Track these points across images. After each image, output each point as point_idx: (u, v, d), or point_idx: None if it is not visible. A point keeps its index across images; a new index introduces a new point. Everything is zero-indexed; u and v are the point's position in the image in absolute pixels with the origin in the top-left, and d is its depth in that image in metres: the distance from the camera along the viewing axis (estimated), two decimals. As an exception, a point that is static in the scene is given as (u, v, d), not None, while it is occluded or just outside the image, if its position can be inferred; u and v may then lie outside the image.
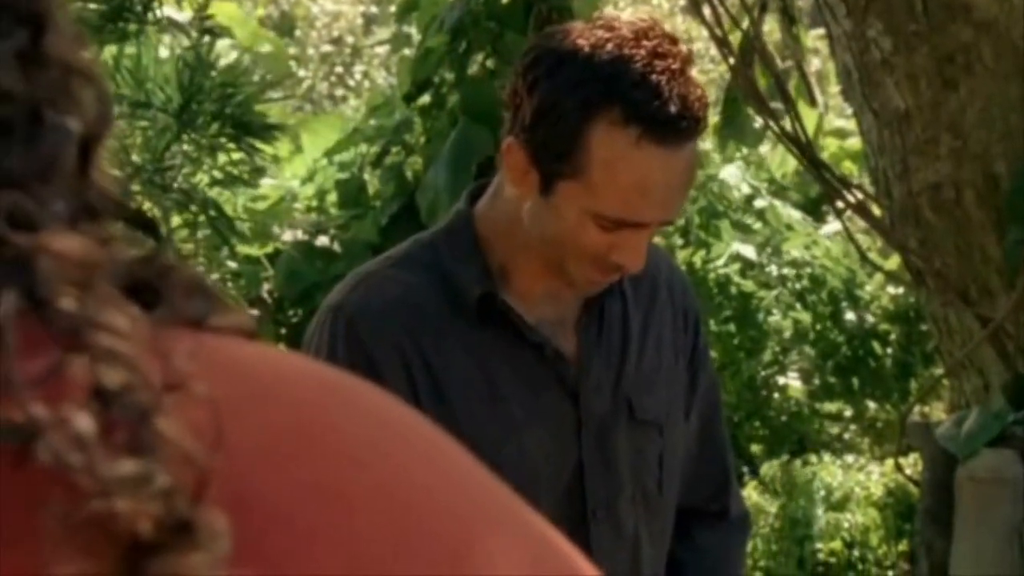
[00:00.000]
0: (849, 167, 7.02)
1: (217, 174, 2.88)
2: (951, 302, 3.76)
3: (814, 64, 8.35)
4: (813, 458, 6.17)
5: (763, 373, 6.70)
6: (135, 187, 2.68)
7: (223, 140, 2.77)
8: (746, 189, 6.90)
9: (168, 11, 2.85)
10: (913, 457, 5.19)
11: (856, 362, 6.72)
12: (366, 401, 0.53)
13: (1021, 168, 3.60)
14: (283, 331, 5.75)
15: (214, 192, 2.93)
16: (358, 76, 12.25)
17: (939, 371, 5.13)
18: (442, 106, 5.08)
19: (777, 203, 6.96)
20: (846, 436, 6.96)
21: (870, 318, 6.77)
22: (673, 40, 1.83)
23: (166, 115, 2.74)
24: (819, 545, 5.67)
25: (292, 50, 10.67)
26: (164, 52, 3.01)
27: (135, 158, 2.72)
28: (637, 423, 1.98)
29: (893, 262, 5.09)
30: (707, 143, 6.03)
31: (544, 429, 1.92)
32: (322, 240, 5.70)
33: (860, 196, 3.96)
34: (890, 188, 3.81)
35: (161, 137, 2.75)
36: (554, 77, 1.81)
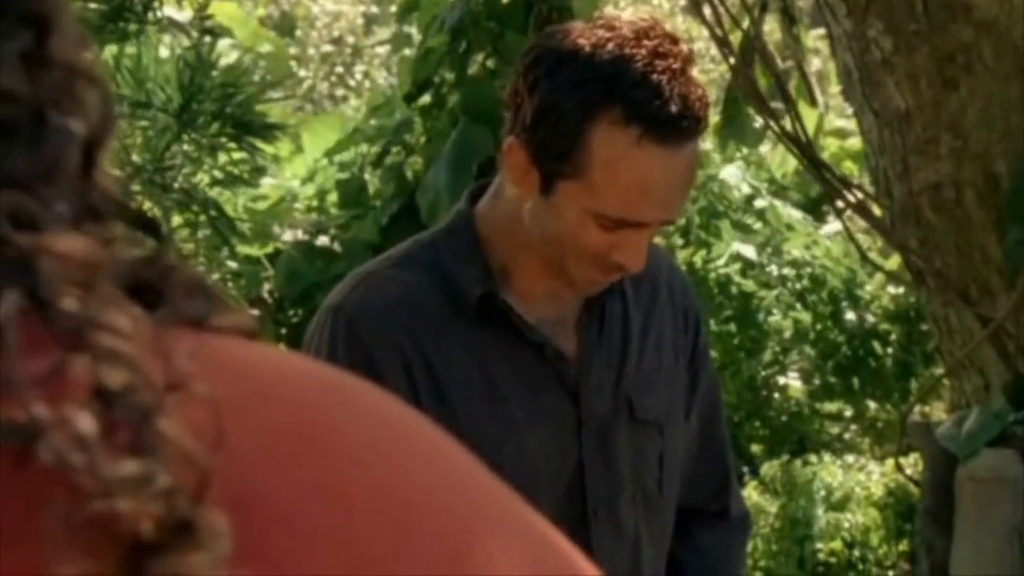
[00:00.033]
0: (850, 167, 7.02)
1: (217, 174, 2.88)
2: (951, 302, 3.76)
3: (815, 64, 8.36)
4: (813, 458, 6.17)
5: (763, 373, 6.70)
6: (135, 187, 2.68)
7: (223, 140, 2.77)
8: (746, 189, 6.90)
9: (169, 11, 2.85)
10: (913, 457, 5.19)
11: (856, 362, 6.72)
12: (366, 401, 0.53)
13: (1021, 168, 3.60)
14: (283, 331, 5.75)
15: (214, 192, 2.93)
16: (359, 76, 12.25)
17: (939, 371, 5.13)
18: (442, 106, 5.08)
19: (777, 203, 6.96)
20: (846, 436, 6.96)
21: (870, 318, 6.77)
22: (674, 40, 1.83)
23: (166, 115, 2.74)
24: (819, 545, 5.67)
25: (293, 50, 10.67)
26: (164, 52, 3.01)
27: (135, 158, 2.71)
28: (637, 423, 1.98)
29: (893, 262, 5.09)
30: (707, 143, 6.03)
31: (544, 429, 1.92)
32: (322, 240, 5.70)
33: (860, 196, 3.96)
34: (890, 188, 3.81)
35: (161, 137, 2.75)
36: (555, 77, 1.81)
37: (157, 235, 0.53)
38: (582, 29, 1.84)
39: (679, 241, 6.66)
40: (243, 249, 4.92)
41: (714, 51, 5.97)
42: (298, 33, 12.57)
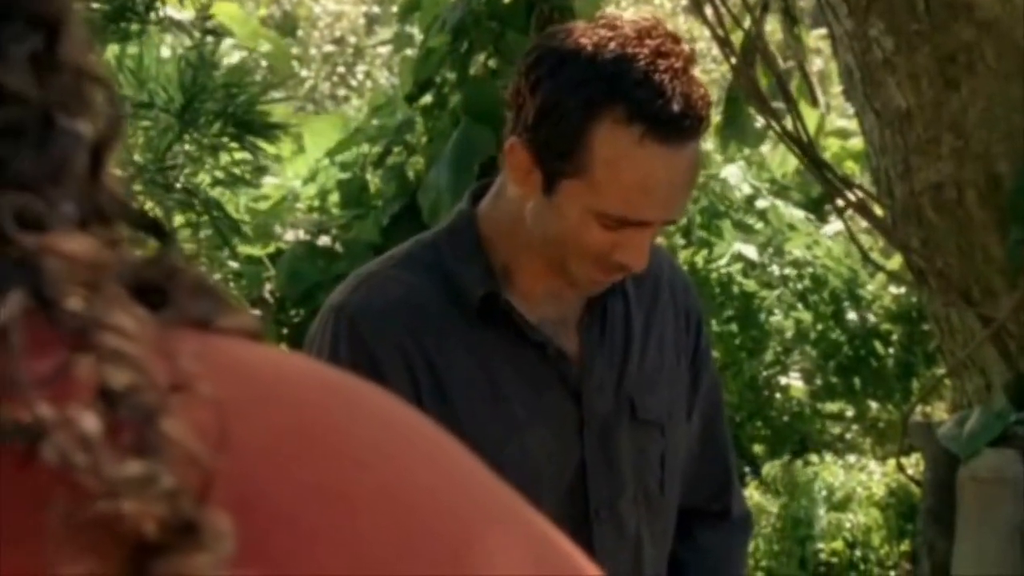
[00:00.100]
0: (851, 167, 7.02)
1: (219, 174, 2.88)
2: (953, 302, 3.76)
3: (816, 64, 8.36)
4: (815, 458, 6.17)
5: (765, 373, 6.70)
6: (137, 187, 2.68)
7: (225, 140, 2.77)
8: (747, 189, 6.90)
9: (170, 11, 2.85)
10: (915, 457, 5.19)
11: (858, 362, 6.72)
12: (369, 402, 0.53)
13: (1023, 168, 3.60)
14: (285, 331, 5.75)
15: (216, 192, 2.93)
16: (360, 76, 12.26)
17: (941, 371, 5.13)
18: (444, 106, 5.08)
19: (779, 203, 6.96)
20: (848, 436, 6.96)
21: (872, 318, 6.77)
22: (676, 39, 1.83)
23: (168, 115, 2.74)
24: (821, 545, 5.67)
25: (294, 50, 10.68)
26: (166, 52, 3.01)
27: (137, 158, 2.72)
28: (639, 423, 1.98)
29: (895, 262, 5.09)
30: (708, 143, 6.03)
31: (546, 429, 1.92)
32: (324, 240, 5.70)
33: (862, 196, 3.96)
34: (892, 188, 3.81)
35: (163, 137, 2.75)
36: (557, 76, 1.81)
37: (163, 237, 0.53)
38: (584, 29, 1.84)
39: (680, 241, 6.66)
40: (245, 249, 4.92)
41: (715, 51, 5.97)
42: (300, 33, 12.58)
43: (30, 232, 0.47)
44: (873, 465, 6.20)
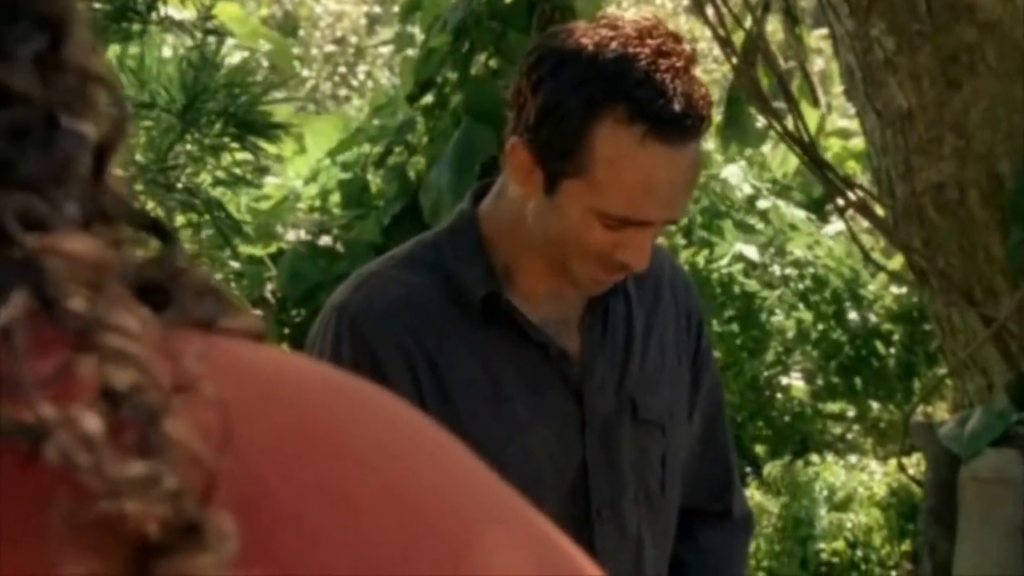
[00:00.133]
0: (853, 167, 7.02)
1: (220, 174, 2.88)
2: (955, 302, 3.76)
3: (818, 64, 8.35)
4: (816, 458, 6.17)
5: (766, 373, 6.70)
6: (139, 187, 2.68)
7: (226, 140, 2.77)
8: (748, 189, 6.90)
9: (171, 11, 2.85)
10: (916, 457, 5.19)
11: (859, 362, 6.72)
12: (373, 403, 0.53)
13: (1024, 168, 3.60)
14: (286, 331, 5.75)
15: (217, 192, 2.93)
16: (361, 76, 12.26)
17: (942, 371, 5.13)
18: (445, 106, 5.08)
19: (780, 203, 6.96)
20: (849, 436, 6.96)
21: (873, 318, 6.77)
22: (677, 39, 1.83)
23: (169, 115, 2.74)
24: (822, 545, 5.67)
25: (296, 50, 10.68)
26: (167, 52, 3.01)
27: (139, 158, 2.72)
28: (640, 423, 1.98)
29: (896, 262, 5.09)
30: (709, 143, 6.03)
31: (548, 428, 1.92)
32: (325, 240, 5.71)
33: (863, 196, 3.96)
34: (893, 188, 3.81)
35: (165, 137, 2.75)
36: (558, 76, 1.81)
37: (166, 238, 0.53)
38: (585, 29, 1.84)
39: (682, 241, 6.66)
40: (246, 249, 4.92)
41: (717, 51, 5.97)
42: (301, 33, 12.58)
43: (33, 232, 0.47)
44: (874, 465, 6.20)
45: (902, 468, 4.63)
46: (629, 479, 1.97)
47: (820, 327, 6.75)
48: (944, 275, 3.73)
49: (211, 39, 2.84)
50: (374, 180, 5.81)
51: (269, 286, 5.76)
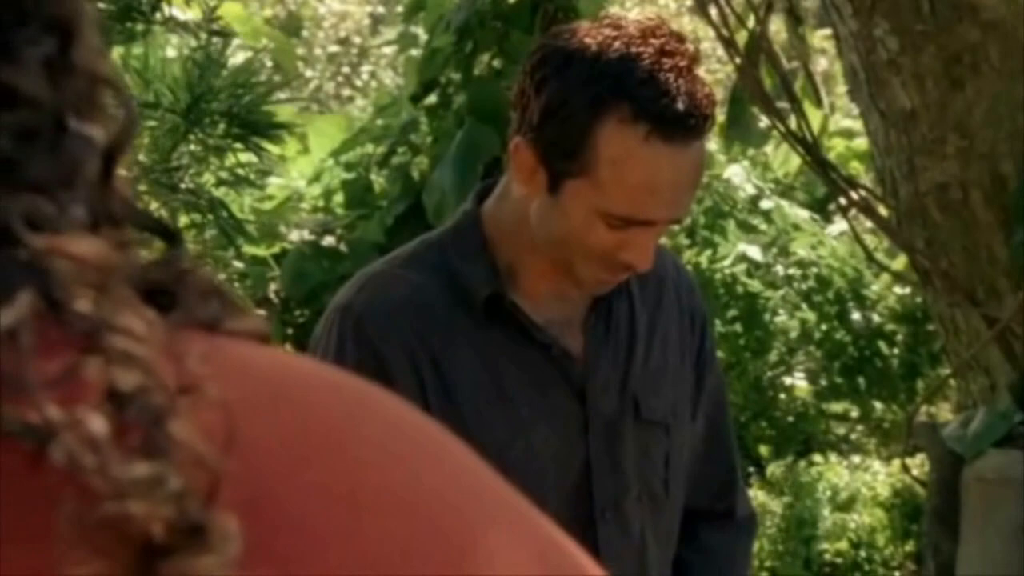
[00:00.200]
0: (856, 167, 7.02)
1: (224, 175, 2.88)
2: (958, 302, 3.76)
3: (821, 64, 8.35)
4: (819, 458, 6.17)
5: (769, 373, 6.70)
6: (143, 187, 2.68)
7: (230, 141, 2.77)
8: (751, 189, 6.90)
9: (175, 12, 2.85)
10: (920, 458, 5.19)
11: (862, 362, 6.72)
12: (377, 405, 0.53)
13: (1028, 168, 3.60)
14: (290, 331, 5.75)
15: (220, 192, 2.93)
16: (365, 76, 12.27)
17: (946, 371, 5.13)
18: (448, 106, 5.08)
19: (783, 203, 6.96)
20: (852, 436, 6.96)
21: (876, 318, 6.77)
22: (680, 38, 1.83)
23: (173, 115, 2.74)
24: (825, 545, 5.67)
25: (299, 50, 10.68)
26: (171, 52, 3.01)
27: (142, 158, 2.72)
28: (643, 423, 1.98)
29: (900, 262, 5.09)
30: (712, 143, 6.03)
31: (551, 428, 1.92)
32: (328, 240, 5.70)
33: (866, 195, 3.96)
34: (897, 188, 3.81)
35: (168, 137, 2.75)
36: (562, 76, 1.81)
37: (171, 240, 0.54)
38: (588, 28, 1.84)
39: (685, 241, 6.66)
40: (249, 249, 4.92)
41: (720, 51, 5.97)
42: (304, 33, 12.59)
43: (40, 234, 0.47)
44: (877, 465, 6.20)
45: (905, 468, 4.63)
46: (632, 479, 1.97)
47: (823, 327, 6.75)
48: (947, 275, 3.73)
49: (215, 39, 2.84)
50: (378, 180, 5.81)
51: (273, 286, 5.76)
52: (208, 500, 0.45)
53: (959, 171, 3.67)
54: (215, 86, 2.71)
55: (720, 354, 4.48)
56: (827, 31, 5.35)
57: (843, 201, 4.12)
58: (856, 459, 6.33)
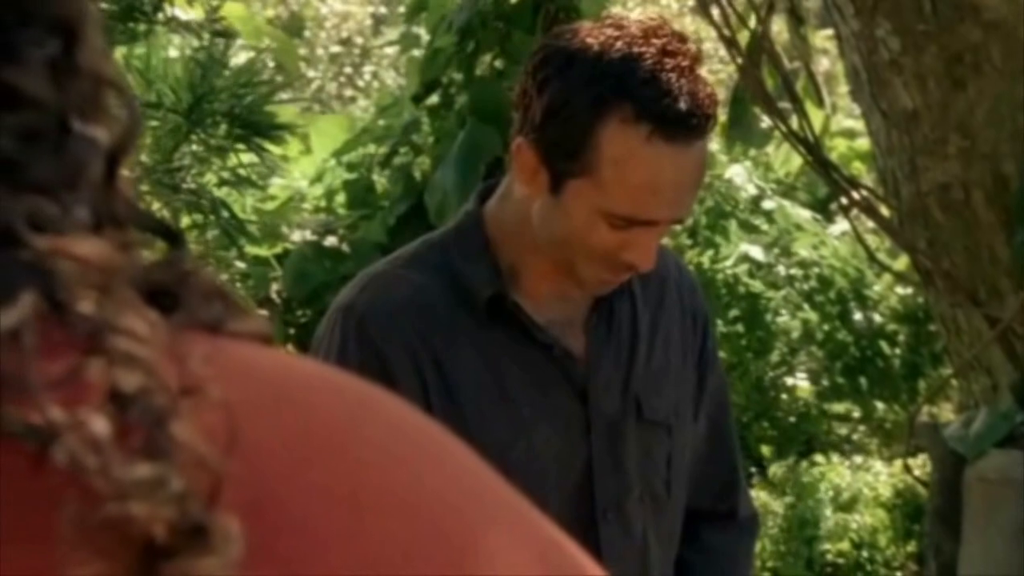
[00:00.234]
0: (858, 168, 7.02)
1: (226, 175, 2.88)
2: (960, 302, 3.76)
3: (823, 64, 8.35)
4: (821, 459, 6.17)
5: (771, 374, 6.70)
6: (144, 187, 2.69)
7: (231, 141, 2.77)
8: (752, 190, 6.90)
9: (178, 12, 2.85)
10: (922, 458, 5.19)
11: (864, 363, 6.72)
12: (379, 406, 0.53)
13: (1030, 168, 3.60)
14: (292, 331, 5.75)
15: (223, 192, 2.93)
16: (367, 76, 12.27)
17: (948, 372, 5.13)
18: (450, 106, 5.08)
19: (786, 203, 6.96)
20: (854, 437, 6.96)
21: (878, 318, 6.77)
22: (682, 38, 1.83)
23: (176, 115, 2.74)
24: (827, 546, 5.67)
25: (301, 51, 10.68)
26: (173, 52, 3.01)
27: (144, 158, 2.72)
28: (645, 423, 1.98)
29: (902, 262, 5.09)
30: (714, 144, 6.02)
31: (553, 429, 1.92)
32: (331, 240, 5.70)
33: (867, 195, 3.96)
34: (899, 188, 3.81)
35: (171, 137, 2.75)
36: (564, 76, 1.81)
37: (175, 241, 0.54)
38: (590, 29, 1.84)
39: (687, 241, 6.66)
40: (251, 249, 4.92)
41: (722, 52, 5.96)
42: (307, 34, 12.59)
43: (43, 235, 0.47)
44: (879, 466, 6.20)
45: (907, 469, 4.63)
46: (634, 480, 1.97)
47: (825, 327, 6.74)
48: (949, 275, 3.73)
49: (217, 40, 2.84)
50: (379, 180, 5.81)
51: (274, 286, 5.76)
52: (210, 501, 0.45)
53: (961, 171, 3.67)
54: (217, 86, 2.71)
55: (722, 354, 4.49)
56: (829, 31, 5.35)
57: (845, 201, 4.12)
58: (858, 459, 6.33)
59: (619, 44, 1.80)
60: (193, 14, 2.91)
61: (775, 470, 6.09)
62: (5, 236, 0.47)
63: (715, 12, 3.76)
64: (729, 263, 6.58)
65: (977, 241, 3.70)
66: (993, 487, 3.55)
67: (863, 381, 6.73)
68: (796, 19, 4.18)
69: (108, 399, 0.45)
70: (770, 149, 6.73)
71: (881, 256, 5.39)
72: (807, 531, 5.66)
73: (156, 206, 2.73)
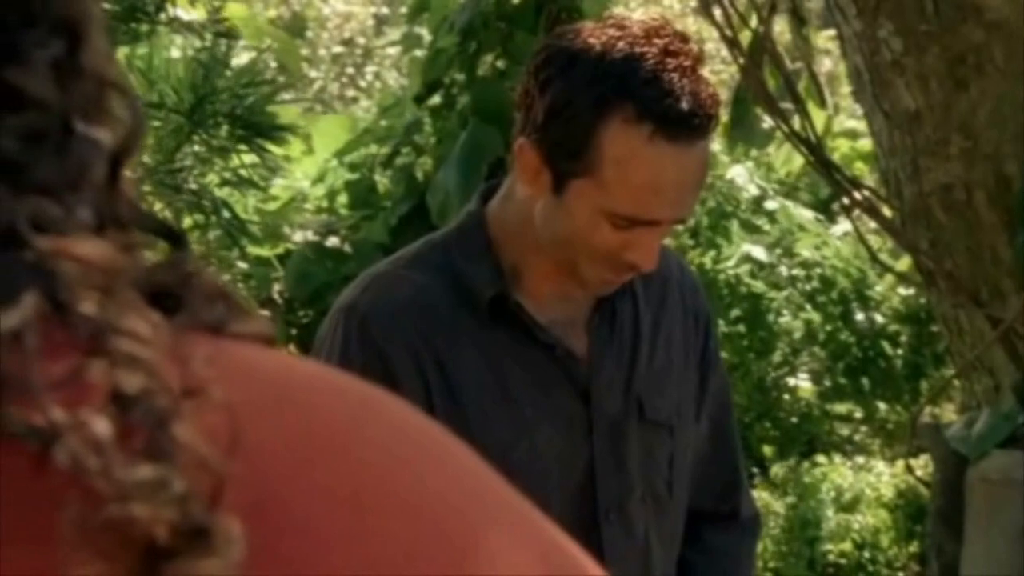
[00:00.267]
0: (861, 168, 7.02)
1: (228, 175, 2.88)
2: (962, 303, 3.76)
3: (826, 65, 8.35)
4: (823, 459, 6.18)
5: (773, 374, 6.70)
6: (146, 187, 2.69)
7: (233, 142, 2.77)
8: (754, 190, 6.90)
9: (180, 12, 2.85)
10: (924, 458, 5.19)
11: (866, 363, 6.72)
12: (381, 408, 0.53)
13: (1032, 169, 3.60)
14: (294, 332, 5.75)
15: (224, 192, 2.93)
16: (369, 77, 12.27)
17: (950, 372, 5.13)
18: (452, 107, 5.09)
19: (788, 204, 6.96)
20: (856, 437, 6.96)
21: (880, 319, 6.77)
22: (684, 38, 1.83)
23: (178, 115, 2.74)
24: (829, 546, 5.67)
25: (304, 51, 10.69)
26: (175, 53, 3.01)
27: (146, 159, 2.72)
28: (648, 424, 1.98)
29: (904, 263, 5.09)
30: (715, 144, 6.02)
31: (555, 429, 1.92)
32: (333, 241, 5.70)
33: (870, 196, 3.96)
34: (901, 189, 3.81)
35: (173, 138, 2.75)
36: (566, 76, 1.81)
37: (178, 242, 0.54)
38: (592, 29, 1.84)
39: (690, 242, 6.66)
40: (253, 250, 4.92)
41: (724, 52, 5.96)
42: (309, 34, 12.59)
43: (46, 236, 0.47)
44: (881, 466, 6.20)
45: (909, 469, 4.62)
46: (636, 480, 1.97)
47: (827, 328, 6.74)
48: (951, 276, 3.73)
49: (220, 40, 2.84)
50: (381, 181, 5.81)
51: (276, 287, 5.76)
52: (212, 503, 0.45)
53: (963, 172, 3.67)
54: (219, 87, 2.71)
55: (724, 355, 4.48)
56: (831, 32, 5.35)
57: (847, 202, 4.11)
58: (860, 460, 6.33)
59: (621, 44, 1.80)
60: (195, 14, 2.91)
61: (777, 470, 6.09)
62: (8, 237, 0.47)
63: (717, 12, 3.76)
64: (731, 263, 6.59)
65: (979, 242, 3.69)
66: (995, 488, 3.55)
67: (865, 382, 6.73)
68: (798, 20, 4.18)
69: (110, 400, 0.45)
70: (770, 149, 6.74)
71: (883, 256, 5.39)
72: (809, 531, 5.66)
73: (158, 206, 2.73)
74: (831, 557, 5.66)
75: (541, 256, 1.90)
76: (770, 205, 6.88)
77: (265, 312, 5.24)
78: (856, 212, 4.32)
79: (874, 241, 5.58)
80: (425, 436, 0.53)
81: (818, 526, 5.67)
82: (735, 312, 6.55)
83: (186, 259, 0.52)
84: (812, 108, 3.93)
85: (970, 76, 3.61)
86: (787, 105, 3.91)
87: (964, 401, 4.24)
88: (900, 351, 6.74)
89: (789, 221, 6.81)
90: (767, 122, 4.18)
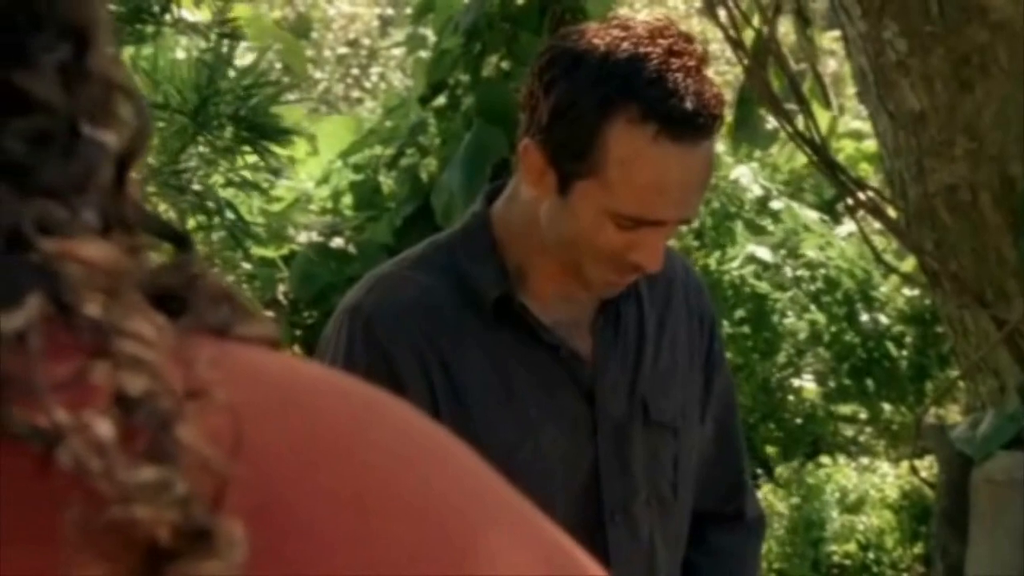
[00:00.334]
0: (866, 169, 7.02)
1: (232, 176, 2.88)
2: (967, 304, 3.75)
3: (830, 66, 8.35)
4: (828, 460, 6.17)
5: (778, 375, 6.70)
6: (151, 188, 2.69)
7: (238, 143, 2.77)
8: (758, 191, 6.90)
9: (185, 13, 2.85)
10: (928, 459, 5.19)
11: (871, 364, 6.72)
12: (385, 410, 0.53)
13: (1037, 170, 3.59)
14: (298, 333, 5.76)
15: (229, 193, 2.93)
16: (374, 78, 12.27)
17: (955, 373, 5.13)
18: (457, 108, 5.09)
19: (793, 204, 6.96)
20: (861, 438, 6.95)
21: (885, 320, 6.76)
22: (688, 39, 1.83)
23: (182, 116, 2.74)
24: (833, 547, 5.66)
25: (308, 52, 10.69)
26: (180, 54, 3.01)
27: (151, 160, 2.71)
28: (652, 425, 1.98)
29: (908, 264, 5.09)
30: (720, 145, 6.02)
31: (559, 430, 1.92)
32: (337, 242, 5.71)
33: (874, 196, 3.96)
34: (906, 190, 3.81)
35: (177, 139, 2.75)
36: (571, 76, 1.81)
37: (183, 245, 0.54)
38: (596, 30, 1.84)
39: (695, 243, 6.66)
40: (258, 251, 4.93)
41: (728, 53, 5.96)
42: (314, 35, 12.60)
43: (51, 238, 0.47)
44: (886, 467, 6.20)
45: (914, 470, 4.62)
46: (641, 482, 1.97)
47: (832, 329, 6.74)
48: (956, 277, 3.72)
49: (226, 41, 2.84)
50: (386, 182, 5.82)
51: (281, 288, 5.77)
52: (214, 505, 0.45)
53: (968, 173, 3.66)
54: (223, 88, 2.71)
55: (728, 355, 4.48)
56: (836, 33, 5.35)
57: (851, 202, 4.11)
58: (864, 461, 6.33)
59: (625, 45, 1.80)
60: (200, 16, 2.91)
61: (781, 471, 6.08)
62: (13, 239, 0.47)
63: (722, 13, 3.76)
64: (736, 264, 6.59)
65: (984, 243, 3.69)
66: (1000, 489, 3.55)
67: (870, 382, 6.73)
68: (803, 20, 4.18)
69: (113, 402, 0.45)
70: (774, 148, 6.74)
71: (888, 257, 5.39)
72: (813, 532, 5.65)
73: (162, 207, 2.73)
74: (835, 558, 5.66)
75: (546, 257, 1.90)
76: (775, 206, 6.88)
77: (269, 313, 5.24)
78: (861, 213, 4.31)
79: (879, 242, 5.57)
80: (428, 439, 0.53)
81: (822, 527, 5.67)
82: (739, 313, 6.55)
83: (191, 261, 0.52)
84: (816, 109, 3.93)
85: (975, 77, 3.61)
86: (791, 106, 3.91)
87: (969, 402, 4.24)
88: (905, 352, 6.74)
89: (794, 222, 6.81)
90: (771, 123, 4.18)
